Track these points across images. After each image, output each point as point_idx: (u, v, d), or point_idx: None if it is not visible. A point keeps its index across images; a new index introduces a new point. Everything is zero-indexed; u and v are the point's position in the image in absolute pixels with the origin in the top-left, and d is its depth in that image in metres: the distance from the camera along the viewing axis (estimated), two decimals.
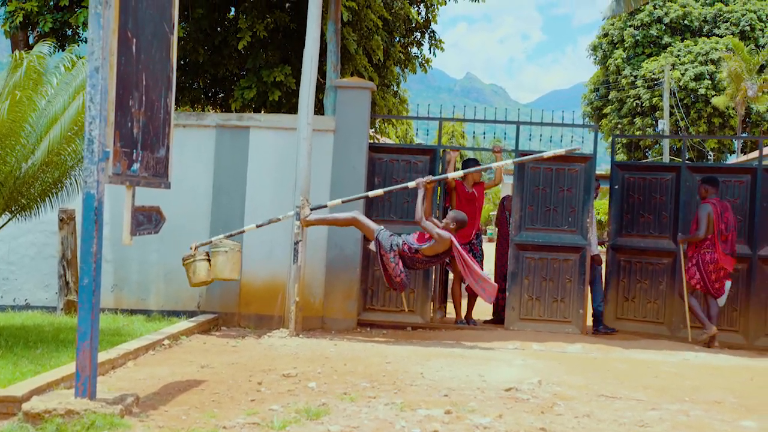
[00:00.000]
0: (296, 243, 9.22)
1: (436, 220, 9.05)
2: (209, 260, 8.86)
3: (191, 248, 8.97)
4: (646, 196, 10.89)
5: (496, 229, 11.65)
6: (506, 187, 24.84)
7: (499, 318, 11.08)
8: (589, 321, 11.00)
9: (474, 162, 10.80)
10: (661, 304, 10.65)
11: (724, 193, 10.40)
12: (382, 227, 9.03)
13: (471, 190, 10.73)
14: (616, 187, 11.05)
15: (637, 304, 10.84)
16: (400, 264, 8.76)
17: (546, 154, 9.36)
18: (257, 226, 9.23)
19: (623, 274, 11.00)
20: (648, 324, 10.67)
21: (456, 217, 8.88)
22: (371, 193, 9.32)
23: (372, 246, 8.95)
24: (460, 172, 9.67)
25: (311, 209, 9.17)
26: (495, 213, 27.15)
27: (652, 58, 39.58)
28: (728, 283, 9.99)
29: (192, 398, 5.86)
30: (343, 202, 9.23)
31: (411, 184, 9.04)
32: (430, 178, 9.11)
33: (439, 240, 8.58)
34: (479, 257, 10.81)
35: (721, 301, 10.01)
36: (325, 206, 9.30)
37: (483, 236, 14.24)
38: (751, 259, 10.25)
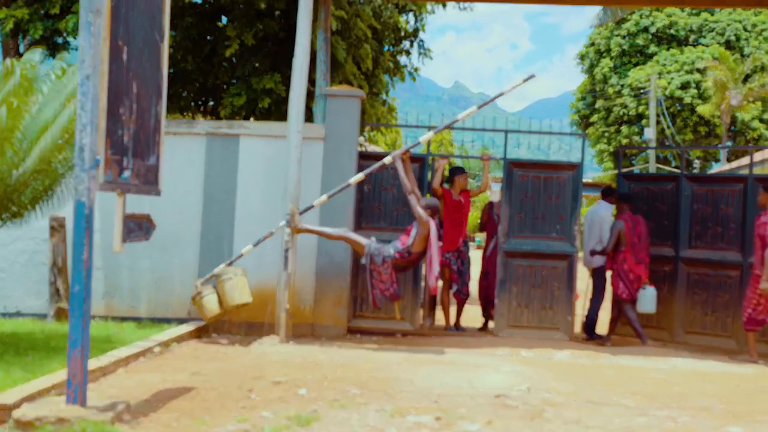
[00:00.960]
0: (286, 250, 9.24)
1: (419, 193, 9.30)
2: (217, 292, 8.98)
3: (196, 286, 9.07)
4: (649, 205, 11.08)
5: (484, 234, 11.65)
6: (493, 194, 24.86)
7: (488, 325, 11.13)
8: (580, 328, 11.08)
9: (460, 170, 10.91)
10: (662, 310, 10.69)
11: (718, 202, 10.60)
12: (372, 240, 9.07)
13: (458, 197, 10.78)
14: None
15: None
16: (393, 275, 8.83)
17: (505, 90, 9.49)
18: (254, 246, 9.27)
19: None
20: (650, 330, 10.73)
21: (429, 203, 9.02)
22: (352, 180, 9.41)
23: (363, 260, 8.99)
24: (430, 134, 9.61)
25: (300, 212, 9.23)
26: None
27: (638, 67, 39.77)
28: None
29: (183, 405, 5.86)
30: (328, 197, 9.28)
31: (387, 160, 9.26)
32: (404, 148, 9.35)
33: (420, 221, 8.70)
34: (466, 264, 10.86)
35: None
36: (313, 206, 9.34)
37: (471, 243, 14.25)
38: (743, 267, 10.28)
